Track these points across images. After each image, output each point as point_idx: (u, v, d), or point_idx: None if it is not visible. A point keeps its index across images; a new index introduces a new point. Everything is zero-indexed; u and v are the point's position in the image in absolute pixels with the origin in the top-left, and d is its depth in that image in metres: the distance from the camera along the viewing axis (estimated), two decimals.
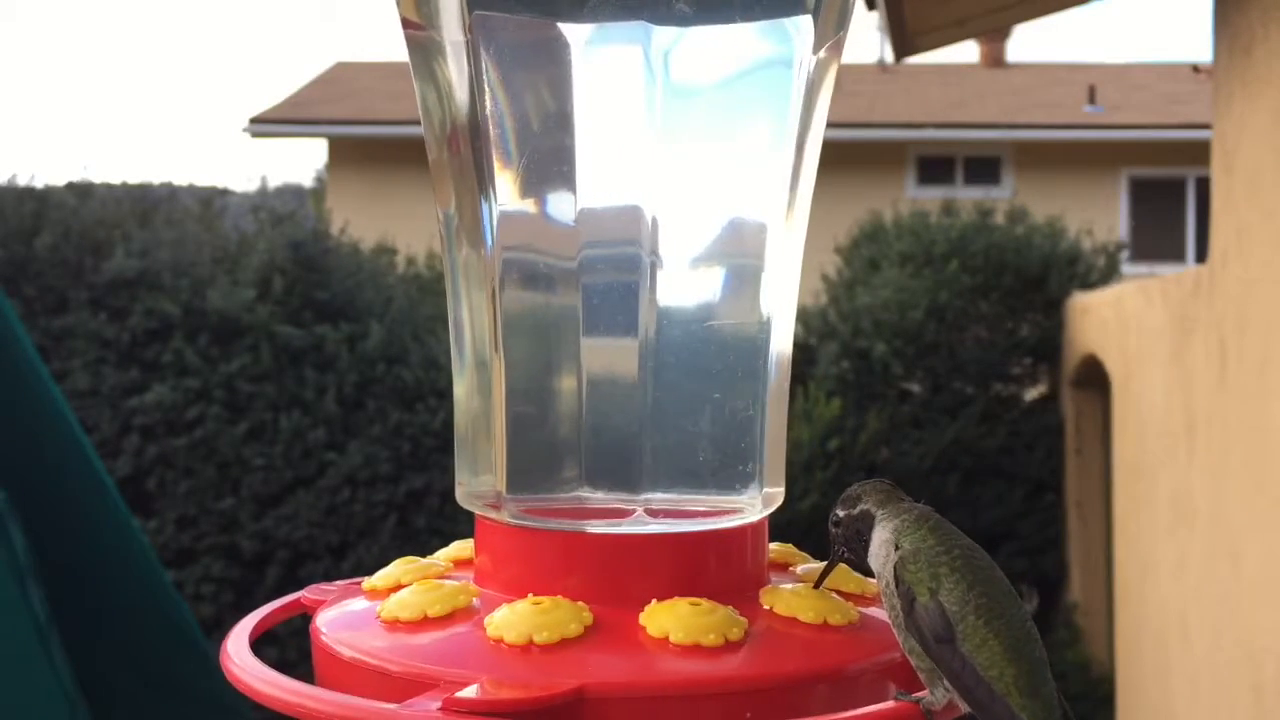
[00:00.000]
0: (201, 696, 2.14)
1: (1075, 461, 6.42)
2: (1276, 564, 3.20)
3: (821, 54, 0.63)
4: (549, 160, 0.62)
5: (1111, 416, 5.15)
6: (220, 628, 5.97)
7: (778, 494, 0.64)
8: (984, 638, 0.52)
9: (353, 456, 6.18)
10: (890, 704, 0.54)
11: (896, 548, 0.55)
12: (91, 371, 6.18)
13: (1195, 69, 12.80)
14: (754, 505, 0.62)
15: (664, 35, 0.59)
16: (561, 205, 0.61)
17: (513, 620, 0.54)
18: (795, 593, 0.59)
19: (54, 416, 2.07)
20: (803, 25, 0.61)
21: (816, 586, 0.60)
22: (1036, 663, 0.53)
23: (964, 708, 0.53)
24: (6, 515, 1.83)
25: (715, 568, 0.60)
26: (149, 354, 6.26)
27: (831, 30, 0.64)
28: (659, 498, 0.60)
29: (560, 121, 0.60)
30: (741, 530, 0.61)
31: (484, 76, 0.61)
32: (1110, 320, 5.39)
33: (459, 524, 6.22)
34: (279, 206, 8.51)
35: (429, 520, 6.15)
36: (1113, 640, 5.08)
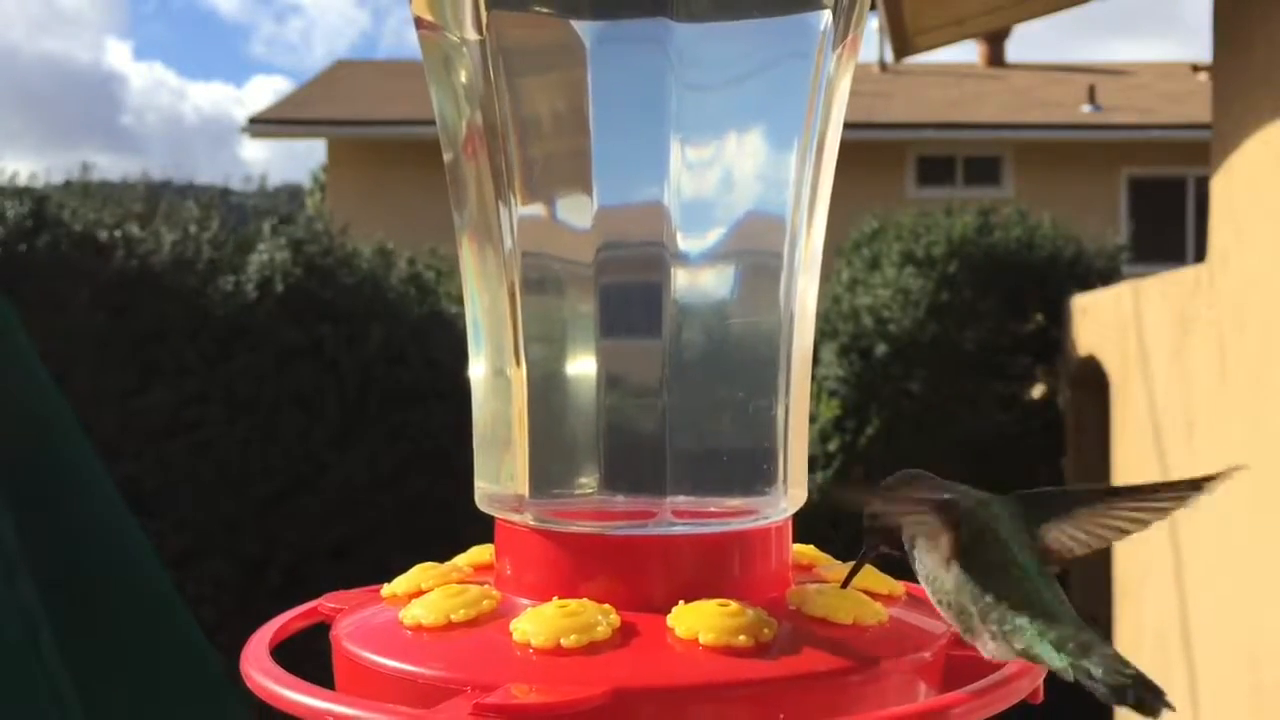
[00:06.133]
0: (201, 698, 2.13)
1: (1075, 461, 6.41)
2: (1276, 564, 3.20)
3: (841, 50, 0.63)
4: (568, 160, 0.61)
5: (1111, 416, 5.15)
6: (221, 630, 5.95)
7: (801, 493, 0.64)
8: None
9: (354, 458, 6.18)
10: (928, 701, 0.54)
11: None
12: (92, 371, 6.17)
13: (1195, 69, 12.82)
14: (778, 505, 0.62)
15: (684, 31, 0.58)
16: (581, 205, 0.60)
17: (539, 624, 0.53)
18: (823, 593, 0.59)
19: (54, 417, 2.06)
20: (823, 20, 0.61)
21: (844, 586, 0.60)
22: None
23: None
24: None
25: (741, 569, 0.60)
26: (149, 354, 6.25)
27: (851, 26, 0.64)
28: (683, 499, 0.59)
29: (578, 120, 0.60)
30: (766, 531, 0.61)
31: (500, 77, 0.60)
32: (1110, 320, 5.39)
33: (461, 525, 6.23)
34: (279, 206, 8.51)
35: (431, 521, 6.13)
36: (1112, 640, 5.08)
